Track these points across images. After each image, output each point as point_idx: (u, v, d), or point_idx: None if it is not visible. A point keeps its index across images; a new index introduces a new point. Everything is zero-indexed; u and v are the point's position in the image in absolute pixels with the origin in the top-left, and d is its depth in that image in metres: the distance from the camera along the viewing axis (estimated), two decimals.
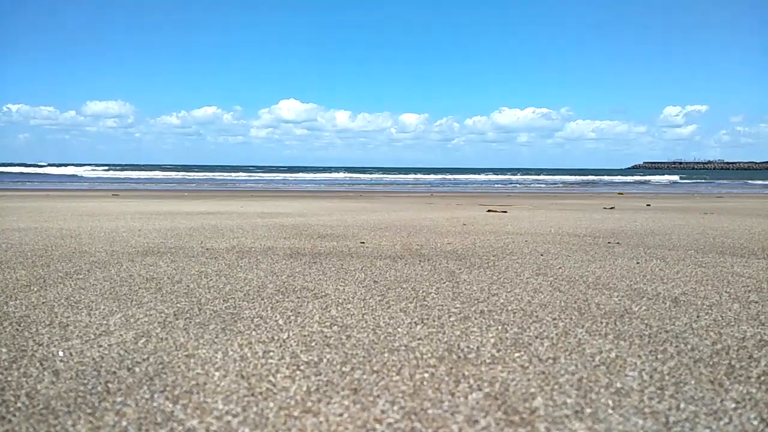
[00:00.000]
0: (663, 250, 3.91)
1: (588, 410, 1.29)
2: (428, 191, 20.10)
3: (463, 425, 1.21)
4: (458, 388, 1.41)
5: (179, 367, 1.55)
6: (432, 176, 45.51)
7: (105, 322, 2.00)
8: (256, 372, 1.52)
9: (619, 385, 1.44)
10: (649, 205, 10.27)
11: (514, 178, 44.65)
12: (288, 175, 44.47)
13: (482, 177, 44.99)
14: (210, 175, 41.86)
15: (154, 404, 1.31)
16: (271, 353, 1.67)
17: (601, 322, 2.02)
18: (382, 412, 1.28)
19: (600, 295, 2.47)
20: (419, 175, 47.30)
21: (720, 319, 2.09)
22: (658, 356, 1.66)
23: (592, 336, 1.85)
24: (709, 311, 2.20)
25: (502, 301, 2.34)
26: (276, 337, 1.83)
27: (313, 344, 1.76)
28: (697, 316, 2.12)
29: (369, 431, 1.19)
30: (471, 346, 1.74)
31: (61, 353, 1.66)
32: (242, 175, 41.76)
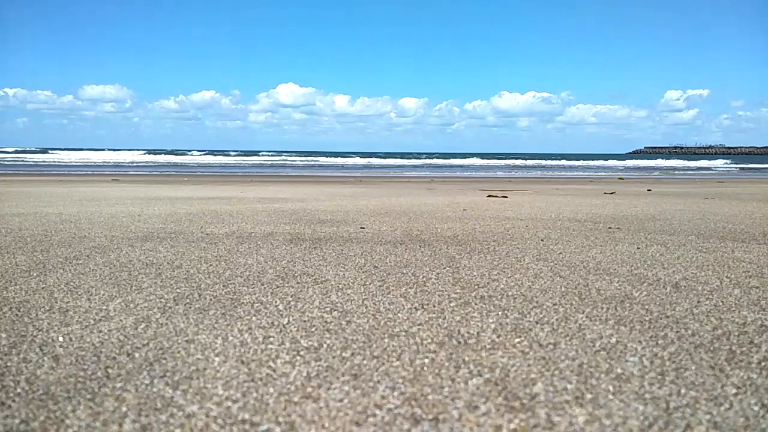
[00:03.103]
0: (664, 235, 3.90)
1: (588, 396, 1.28)
2: (428, 176, 20.06)
3: (464, 411, 1.21)
4: (458, 373, 1.41)
5: (179, 352, 1.55)
6: (432, 161, 45.40)
7: (105, 307, 1.99)
8: (256, 357, 1.52)
9: (619, 370, 1.43)
10: (650, 190, 10.25)
11: (514, 162, 44.53)
12: (287, 160, 44.36)
13: (482, 162, 44.87)
14: (209, 159, 41.76)
15: (154, 390, 1.31)
16: (271, 338, 1.67)
17: (602, 308, 2.01)
18: (382, 397, 1.27)
19: (600, 280, 2.47)
20: (419, 160, 47.19)
21: (721, 304, 2.08)
22: (659, 342, 1.65)
23: (592, 321, 1.85)
24: (710, 296, 2.19)
25: (502, 286, 2.34)
26: (276, 323, 1.82)
27: (313, 329, 1.76)
28: (698, 302, 2.11)
29: (369, 416, 1.18)
30: (471, 332, 1.74)
31: (60, 338, 1.65)
32: (241, 160, 41.65)
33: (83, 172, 19.97)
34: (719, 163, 45.01)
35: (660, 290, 2.29)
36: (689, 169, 33.49)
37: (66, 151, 50.66)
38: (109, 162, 33.87)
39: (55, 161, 33.84)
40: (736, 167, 36.66)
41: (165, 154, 50.65)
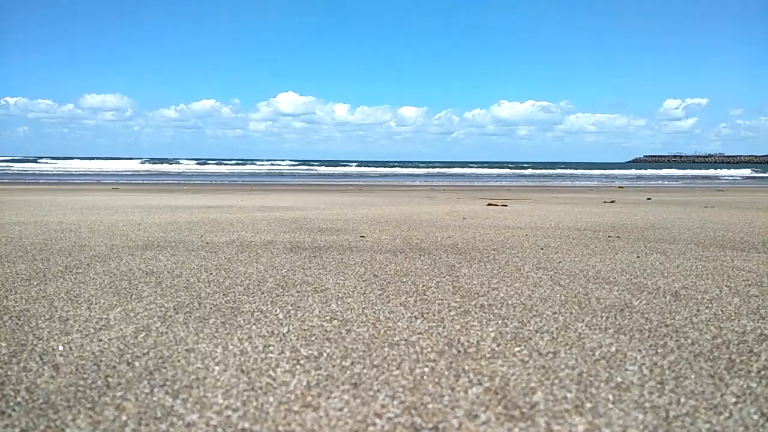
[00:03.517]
0: (663, 243, 3.91)
1: (588, 405, 1.29)
2: (428, 185, 20.08)
3: (463, 420, 1.21)
4: (458, 382, 1.41)
5: (179, 361, 1.55)
6: (432, 169, 45.48)
7: (105, 316, 1.99)
8: (256, 366, 1.52)
9: (619, 379, 1.44)
10: (649, 198, 10.27)
11: (514, 171, 44.58)
12: (287, 168, 44.45)
13: (482, 170, 44.95)
14: (209, 168, 41.83)
15: (154, 399, 1.31)
16: (271, 347, 1.67)
17: (602, 317, 2.02)
18: (382, 406, 1.28)
19: (600, 289, 2.47)
20: (419, 169, 47.27)
21: (720, 313, 2.09)
22: (659, 350, 1.66)
23: (592, 330, 1.85)
24: (710, 305, 2.20)
25: (502, 295, 2.34)
26: (276, 332, 1.82)
27: (313, 338, 1.76)
28: (698, 311, 2.11)
29: (369, 426, 1.18)
30: (471, 341, 1.74)
31: (61, 347, 1.65)
32: (241, 168, 41.72)
33: (83, 181, 20.00)
34: (747, 172, 42.90)
35: (660, 299, 2.29)
36: (720, 178, 32.68)
37: (55, 161, 50.06)
38: (103, 171, 33.78)
39: (44, 171, 33.46)
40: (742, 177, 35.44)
41: (164, 162, 50.72)
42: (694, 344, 1.72)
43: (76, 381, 1.41)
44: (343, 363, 1.55)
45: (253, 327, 1.87)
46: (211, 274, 2.75)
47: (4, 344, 1.68)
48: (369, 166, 52.21)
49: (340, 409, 1.26)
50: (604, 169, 50.70)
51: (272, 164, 53.32)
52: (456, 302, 2.21)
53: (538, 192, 13.94)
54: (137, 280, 2.58)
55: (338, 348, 1.67)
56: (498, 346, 1.69)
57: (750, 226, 5.05)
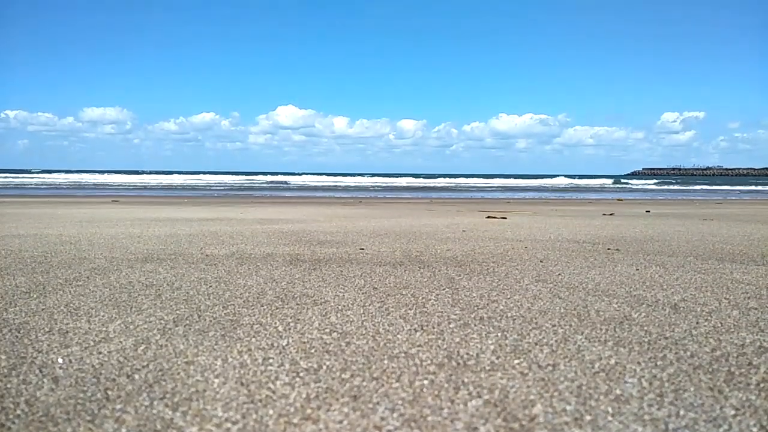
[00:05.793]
0: (662, 256, 3.91)
1: (587, 417, 1.29)
2: (427, 197, 20.12)
3: None
4: (458, 395, 1.41)
5: (179, 374, 1.55)
6: (431, 182, 45.57)
7: (104, 328, 1.99)
8: (255, 379, 1.52)
9: (618, 391, 1.44)
10: (648, 211, 10.28)
11: (513, 183, 44.67)
12: (287, 181, 44.54)
13: (482, 182, 45.06)
14: (209, 181, 41.91)
15: (154, 411, 1.31)
16: (271, 360, 1.67)
17: (601, 329, 2.02)
18: (382, 419, 1.28)
19: (599, 301, 2.47)
20: (418, 181, 47.37)
21: (719, 325, 2.09)
22: (658, 363, 1.66)
23: (591, 343, 1.85)
24: (709, 318, 2.20)
25: (501, 307, 2.34)
26: (275, 344, 1.83)
27: (312, 351, 1.76)
28: (697, 323, 2.12)
29: None
30: (470, 353, 1.74)
31: (60, 360, 1.66)
32: (241, 181, 41.80)
33: (83, 194, 20.02)
34: None
35: (659, 311, 2.30)
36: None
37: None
38: (79, 182, 33.72)
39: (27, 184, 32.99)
40: None
41: (165, 174, 50.72)
42: (694, 357, 1.72)
43: (76, 394, 1.41)
44: (343, 375, 1.55)
45: (253, 339, 1.88)
46: (210, 286, 2.75)
47: (3, 357, 1.68)
48: (368, 179, 52.33)
49: (340, 422, 1.26)
50: (604, 179, 50.70)
51: (272, 177, 53.41)
52: (455, 315, 2.22)
53: (537, 204, 13.97)
54: (137, 293, 2.58)
55: (338, 360, 1.67)
56: (497, 358, 1.70)
57: (749, 239, 5.06)
